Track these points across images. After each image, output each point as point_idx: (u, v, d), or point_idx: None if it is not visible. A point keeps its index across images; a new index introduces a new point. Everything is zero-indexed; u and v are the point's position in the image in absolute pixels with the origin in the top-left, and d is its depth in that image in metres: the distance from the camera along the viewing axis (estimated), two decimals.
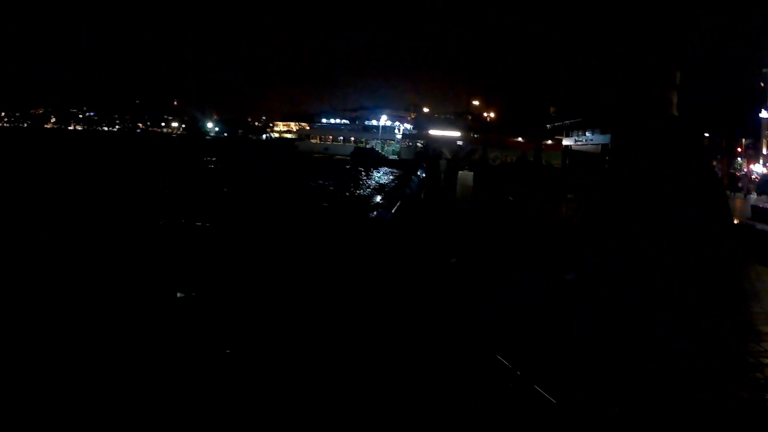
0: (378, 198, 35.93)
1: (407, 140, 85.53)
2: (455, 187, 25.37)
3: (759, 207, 18.95)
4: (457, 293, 10.60)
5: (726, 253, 12.50)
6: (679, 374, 6.85)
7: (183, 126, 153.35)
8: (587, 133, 38.00)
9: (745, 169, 35.22)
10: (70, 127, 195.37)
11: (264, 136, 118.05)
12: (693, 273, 11.48)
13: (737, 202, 28.42)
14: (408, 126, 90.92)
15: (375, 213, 26.86)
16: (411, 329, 8.92)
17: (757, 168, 34.38)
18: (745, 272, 12.10)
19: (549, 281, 10.73)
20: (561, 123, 43.76)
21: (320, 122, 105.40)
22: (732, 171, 35.82)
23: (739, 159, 37.23)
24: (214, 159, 74.17)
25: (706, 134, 23.27)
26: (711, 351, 7.62)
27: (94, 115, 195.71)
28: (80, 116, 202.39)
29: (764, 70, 30.35)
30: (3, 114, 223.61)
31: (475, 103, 61.71)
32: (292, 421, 6.46)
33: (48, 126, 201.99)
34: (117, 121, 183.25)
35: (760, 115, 30.57)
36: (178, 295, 14.12)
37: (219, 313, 12.15)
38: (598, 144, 32.69)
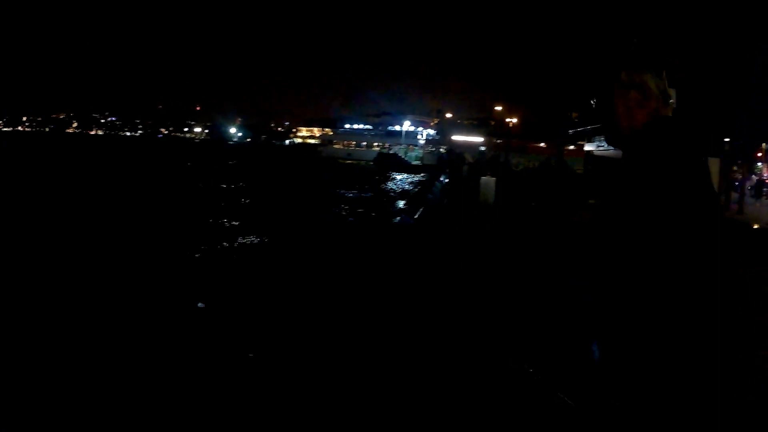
0: (401, 203, 36.21)
1: (430, 146, 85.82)
2: (478, 192, 25.39)
3: None
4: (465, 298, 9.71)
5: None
6: None
7: (206, 131, 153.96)
8: None
9: (766, 174, 35.14)
10: (92, 132, 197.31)
11: (287, 141, 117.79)
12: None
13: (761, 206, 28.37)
14: (431, 131, 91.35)
15: (398, 218, 27.72)
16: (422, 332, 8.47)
17: None
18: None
19: (554, 287, 10.47)
20: (583, 128, 44.00)
21: (343, 128, 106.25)
22: (756, 176, 35.74)
23: (759, 164, 37.13)
24: (234, 162, 74.16)
25: (726, 139, 23.35)
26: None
27: (116, 120, 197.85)
28: (102, 121, 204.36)
29: None
30: (25, 118, 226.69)
31: (498, 108, 61.72)
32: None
33: (69, 130, 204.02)
34: (139, 126, 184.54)
35: None
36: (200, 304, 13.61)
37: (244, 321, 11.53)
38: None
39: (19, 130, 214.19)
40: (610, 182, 2.82)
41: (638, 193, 2.59)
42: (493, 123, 74.12)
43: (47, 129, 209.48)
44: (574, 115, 49.62)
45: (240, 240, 22.24)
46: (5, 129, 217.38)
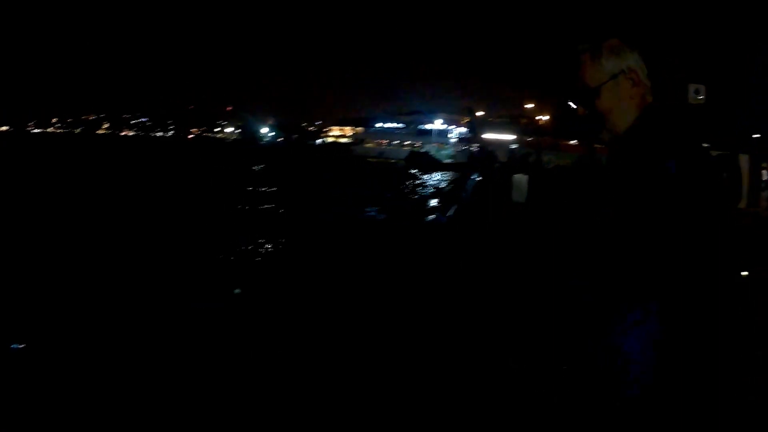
0: (433, 202, 36.09)
1: (462, 144, 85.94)
2: (509, 191, 25.41)
3: None
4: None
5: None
6: None
7: (237, 131, 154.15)
8: None
9: None
10: (122, 133, 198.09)
11: (318, 140, 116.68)
12: None
13: None
14: (462, 129, 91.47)
15: (431, 217, 27.91)
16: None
17: None
18: None
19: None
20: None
21: (375, 126, 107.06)
22: None
23: None
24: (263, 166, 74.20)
25: (756, 135, 23.39)
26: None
27: (147, 121, 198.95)
28: (133, 122, 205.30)
29: None
30: (55, 120, 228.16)
31: (529, 106, 61.81)
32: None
33: (100, 132, 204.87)
34: (171, 127, 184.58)
35: None
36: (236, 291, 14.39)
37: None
38: None
39: (50, 132, 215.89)
40: (608, 184, 2.68)
41: (638, 192, 2.43)
42: (524, 121, 74.08)
43: (77, 130, 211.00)
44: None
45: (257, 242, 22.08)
46: (36, 130, 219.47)
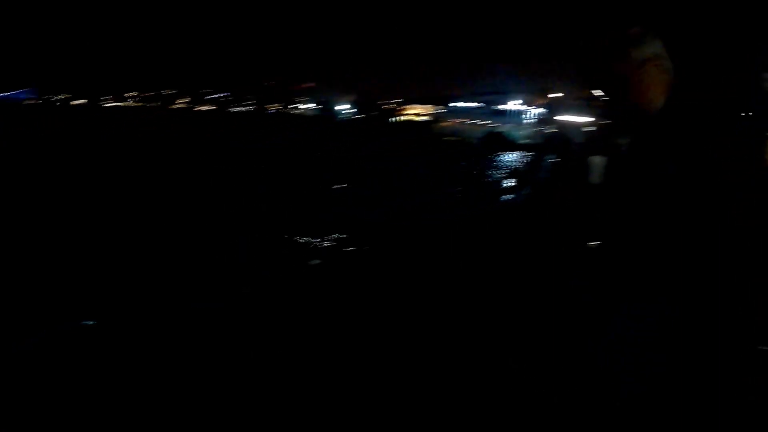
0: (508, 182, 36.17)
1: (538, 125, 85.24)
2: (587, 172, 25.48)
3: None
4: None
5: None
6: None
7: (316, 107, 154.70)
8: None
9: None
10: (199, 108, 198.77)
11: (395, 118, 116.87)
12: None
13: None
14: (539, 110, 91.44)
15: (505, 197, 28.21)
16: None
17: None
18: None
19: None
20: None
21: (452, 106, 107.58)
22: None
23: None
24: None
25: None
26: None
27: (226, 96, 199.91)
28: (211, 97, 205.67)
29: None
30: (136, 93, 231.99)
31: None
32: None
33: (176, 106, 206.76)
34: (249, 102, 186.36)
35: None
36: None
37: None
38: None
39: (127, 106, 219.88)
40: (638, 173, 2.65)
41: (669, 181, 2.37)
42: (602, 102, 73.30)
43: (156, 104, 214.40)
44: None
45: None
46: (113, 104, 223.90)
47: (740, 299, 2.74)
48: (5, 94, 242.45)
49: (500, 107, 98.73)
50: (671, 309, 2.70)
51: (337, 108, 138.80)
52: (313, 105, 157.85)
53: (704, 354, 2.76)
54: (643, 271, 2.53)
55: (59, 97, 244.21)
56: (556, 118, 78.18)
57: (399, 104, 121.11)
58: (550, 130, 77.38)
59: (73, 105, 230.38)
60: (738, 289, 2.67)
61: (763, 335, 4.19)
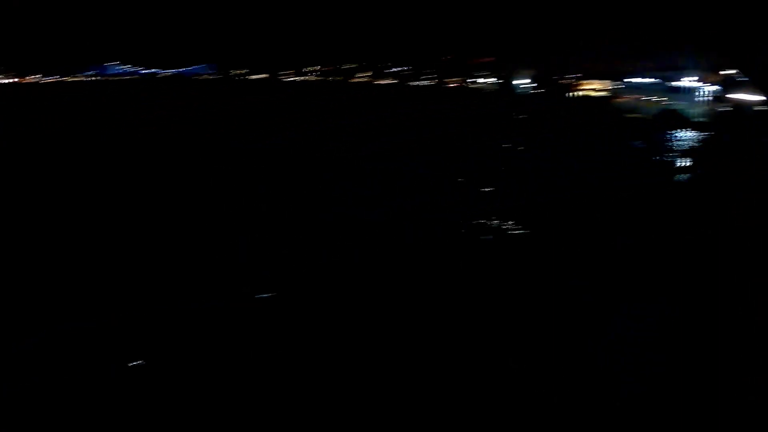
0: (683, 162, 35.35)
1: (712, 102, 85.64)
2: (765, 153, 24.70)
3: None
4: None
5: None
6: None
7: (494, 82, 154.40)
8: None
9: None
10: (381, 81, 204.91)
11: (571, 94, 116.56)
12: None
13: None
14: (713, 88, 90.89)
15: (678, 177, 27.95)
16: None
17: None
18: None
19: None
20: None
21: (628, 81, 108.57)
22: None
23: None
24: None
25: None
26: None
27: (405, 70, 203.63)
28: (391, 71, 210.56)
29: None
30: (319, 67, 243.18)
31: None
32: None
33: (354, 80, 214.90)
34: (428, 76, 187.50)
35: None
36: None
37: None
38: None
39: (307, 80, 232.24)
40: None
41: None
42: None
43: (334, 78, 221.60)
44: None
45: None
46: (294, 78, 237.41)
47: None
48: (185, 69, 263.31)
49: (675, 84, 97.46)
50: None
51: (515, 83, 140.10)
52: (491, 79, 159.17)
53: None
54: None
55: (239, 72, 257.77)
56: (729, 96, 79.31)
57: (576, 79, 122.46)
58: (724, 108, 78.43)
59: (253, 79, 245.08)
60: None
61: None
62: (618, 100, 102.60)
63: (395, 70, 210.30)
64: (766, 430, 6.05)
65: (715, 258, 13.26)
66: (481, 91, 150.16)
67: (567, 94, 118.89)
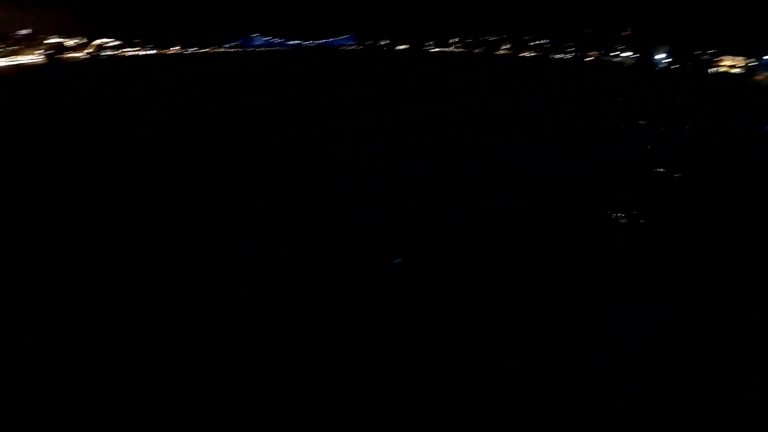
0: None
1: None
2: None
3: None
4: None
5: None
6: None
7: (634, 56, 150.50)
8: None
9: None
10: (524, 54, 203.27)
11: (711, 69, 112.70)
12: None
13: None
14: None
15: None
16: None
17: None
18: None
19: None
20: None
21: (766, 58, 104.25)
22: None
23: None
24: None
25: None
26: None
27: (546, 43, 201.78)
28: (532, 44, 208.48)
29: None
30: (455, 39, 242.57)
31: None
32: None
33: (499, 53, 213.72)
34: (569, 50, 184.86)
35: None
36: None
37: None
38: None
39: (450, 51, 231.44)
40: None
41: None
42: None
43: (477, 50, 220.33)
44: None
45: None
46: (435, 50, 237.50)
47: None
48: (327, 40, 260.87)
49: None
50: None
51: (655, 57, 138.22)
52: (630, 54, 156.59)
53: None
54: None
55: (382, 43, 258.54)
56: None
57: (714, 55, 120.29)
58: None
59: (397, 50, 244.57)
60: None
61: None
62: (758, 77, 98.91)
63: (537, 42, 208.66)
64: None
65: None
66: (620, 65, 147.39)
67: (705, 70, 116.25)
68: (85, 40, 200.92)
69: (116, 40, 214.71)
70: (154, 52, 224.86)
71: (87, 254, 16.76)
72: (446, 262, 14.60)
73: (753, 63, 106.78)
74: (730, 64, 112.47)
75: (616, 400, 5.77)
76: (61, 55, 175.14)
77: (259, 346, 10.39)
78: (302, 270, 15.07)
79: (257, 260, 16.08)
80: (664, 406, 5.91)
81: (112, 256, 16.63)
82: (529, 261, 14.26)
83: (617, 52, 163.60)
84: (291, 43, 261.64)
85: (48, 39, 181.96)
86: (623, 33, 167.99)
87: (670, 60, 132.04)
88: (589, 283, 10.97)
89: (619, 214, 18.48)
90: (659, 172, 25.98)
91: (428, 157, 34.55)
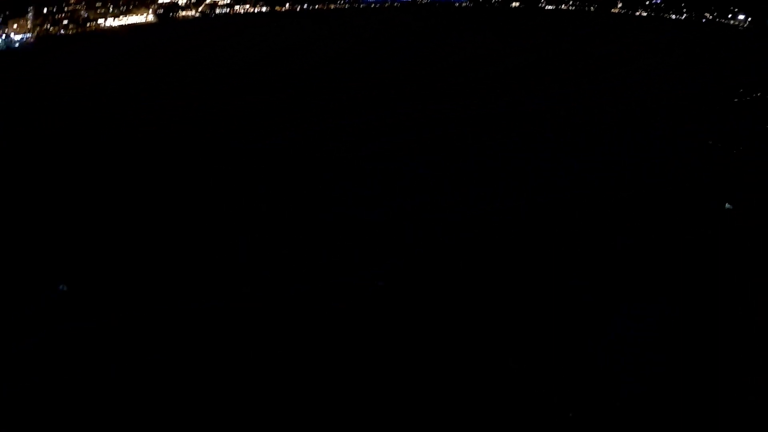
0: None
1: None
2: None
3: None
4: None
5: None
6: None
7: (749, 19, 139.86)
8: None
9: None
10: (639, 13, 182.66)
11: None
12: None
13: None
14: None
15: None
16: None
17: None
18: None
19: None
20: None
21: None
22: None
23: None
24: None
25: None
26: None
27: (660, 3, 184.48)
28: (648, 3, 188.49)
29: None
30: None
31: None
32: None
33: (614, 11, 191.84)
34: (684, 10, 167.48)
35: None
36: None
37: None
38: None
39: (564, 9, 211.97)
40: None
41: None
42: None
43: (590, 8, 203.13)
44: None
45: None
46: (551, 7, 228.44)
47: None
48: None
49: None
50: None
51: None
52: (742, 16, 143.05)
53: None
54: None
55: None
56: None
57: None
58: None
59: (513, 7, 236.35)
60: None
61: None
62: None
63: (652, 2, 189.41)
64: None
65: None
66: (736, 28, 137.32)
67: None
68: None
69: None
70: (265, 9, 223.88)
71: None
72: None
73: None
74: None
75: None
76: (175, 14, 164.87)
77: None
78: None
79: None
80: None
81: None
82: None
83: (733, 14, 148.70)
84: None
85: None
86: None
87: None
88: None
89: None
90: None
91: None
